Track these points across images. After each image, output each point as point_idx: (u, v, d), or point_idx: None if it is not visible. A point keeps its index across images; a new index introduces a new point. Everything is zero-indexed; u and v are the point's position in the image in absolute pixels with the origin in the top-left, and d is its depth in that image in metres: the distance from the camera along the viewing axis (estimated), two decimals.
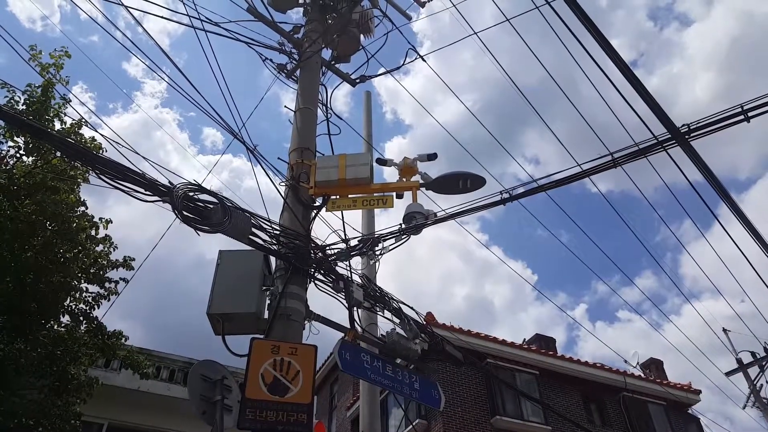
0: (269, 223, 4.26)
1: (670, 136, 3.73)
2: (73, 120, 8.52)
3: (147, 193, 3.58)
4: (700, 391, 16.48)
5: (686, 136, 3.68)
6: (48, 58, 8.35)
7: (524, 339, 17.47)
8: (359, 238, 4.84)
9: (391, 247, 4.61)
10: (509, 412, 13.21)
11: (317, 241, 4.54)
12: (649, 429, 15.03)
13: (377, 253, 4.66)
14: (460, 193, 4.75)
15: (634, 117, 3.93)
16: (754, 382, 15.60)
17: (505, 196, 4.44)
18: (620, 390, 15.36)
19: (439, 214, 4.66)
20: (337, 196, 4.85)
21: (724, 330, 16.08)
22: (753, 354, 16.01)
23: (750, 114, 3.55)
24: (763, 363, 15.70)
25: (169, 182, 3.68)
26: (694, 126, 3.66)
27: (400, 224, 4.63)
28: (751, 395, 15.52)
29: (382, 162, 5.10)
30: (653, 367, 18.31)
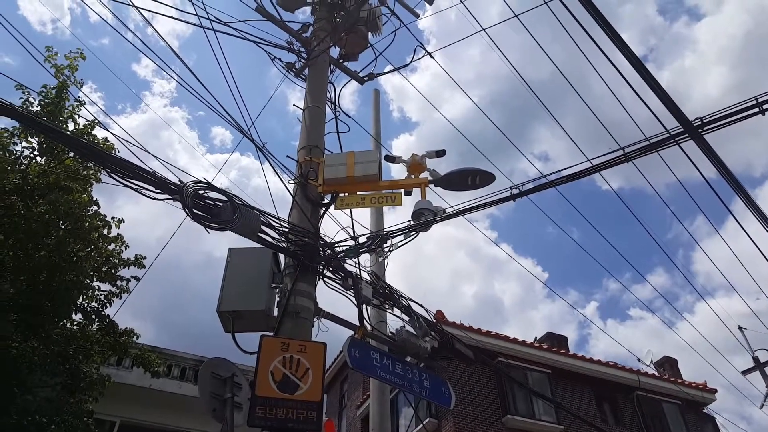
0: (278, 221, 4.28)
1: (682, 129, 3.68)
2: (87, 121, 8.61)
3: (157, 191, 3.61)
4: (715, 390, 16.28)
5: (699, 130, 3.62)
6: (63, 60, 8.44)
7: (535, 337, 17.39)
8: (368, 236, 4.86)
9: (399, 244, 4.61)
10: (521, 411, 13.14)
11: (326, 239, 4.55)
12: (664, 428, 14.88)
13: (386, 250, 4.67)
14: (468, 190, 4.75)
15: (645, 112, 3.89)
16: None
17: (515, 192, 4.41)
18: (634, 389, 15.22)
19: (447, 211, 4.66)
20: (346, 194, 4.87)
21: (740, 328, 15.86)
22: None
23: (765, 107, 3.49)
24: None
25: (179, 180, 3.71)
26: (708, 119, 3.60)
27: (409, 221, 4.63)
28: None
29: (391, 159, 5.11)
30: (667, 365, 18.12)
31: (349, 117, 6.30)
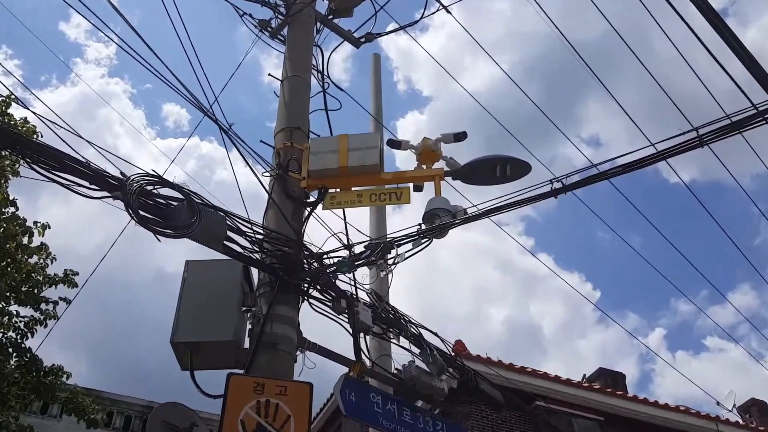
0: (250, 225, 4.30)
1: None
2: (0, 96, 8.62)
3: (92, 187, 3.61)
4: None
5: None
6: None
7: (584, 375, 17.36)
8: (366, 244, 4.86)
9: (407, 255, 4.59)
10: None
11: (312, 248, 4.56)
12: None
13: (390, 262, 4.65)
14: (497, 184, 4.75)
15: (725, 81, 3.88)
16: None
17: (557, 186, 4.38)
18: None
19: (469, 211, 4.65)
20: (338, 190, 4.89)
21: None
22: None
23: None
24: None
25: (121, 173, 3.71)
26: None
27: (419, 225, 4.63)
28: None
29: (396, 144, 5.11)
30: (755, 409, 18.09)
31: (342, 90, 6.31)
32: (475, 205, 4.68)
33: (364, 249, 4.72)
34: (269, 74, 5.99)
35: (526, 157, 4.70)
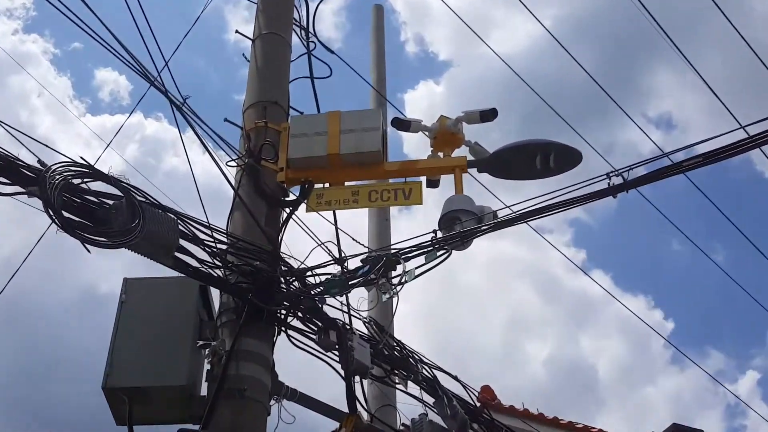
0: (209, 231, 4.27)
1: None
2: None
3: (2, 179, 3.53)
4: None
5: None
6: None
7: None
8: (364, 257, 4.70)
9: (418, 272, 4.51)
10: None
11: (292, 262, 4.53)
12: None
13: (395, 281, 4.55)
14: (536, 178, 4.80)
15: None
16: None
17: (616, 181, 4.28)
18: None
19: (500, 214, 4.64)
20: (326, 185, 4.92)
21: None
22: None
23: None
24: None
25: (39, 161, 3.64)
26: None
27: (434, 231, 4.59)
28: None
29: (403, 125, 5.12)
30: None
31: (332, 53, 6.32)
32: (507, 206, 4.62)
33: (361, 264, 4.59)
34: (237, 31, 5.96)
35: (575, 143, 4.79)
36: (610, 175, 4.27)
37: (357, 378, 4.44)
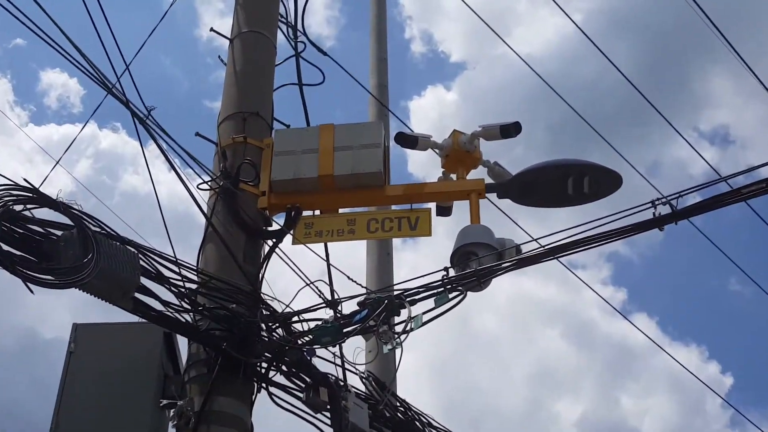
0: (176, 267, 4.19)
1: None
2: None
3: None
4: None
5: None
6: None
7: None
8: (362, 299, 4.59)
9: (426, 318, 4.34)
10: None
11: (275, 305, 4.45)
12: None
13: (399, 329, 4.39)
14: (568, 205, 4.79)
15: None
16: None
17: (663, 210, 4.15)
18: None
19: (524, 249, 4.58)
20: (317, 212, 4.91)
21: None
22: None
23: None
24: None
25: None
26: None
27: (445, 269, 4.46)
28: None
29: (409, 141, 5.03)
30: None
31: (325, 54, 6.26)
32: (534, 239, 4.63)
33: (357, 307, 4.48)
34: (212, 29, 5.89)
35: (612, 163, 4.66)
36: (656, 203, 4.17)
37: None
